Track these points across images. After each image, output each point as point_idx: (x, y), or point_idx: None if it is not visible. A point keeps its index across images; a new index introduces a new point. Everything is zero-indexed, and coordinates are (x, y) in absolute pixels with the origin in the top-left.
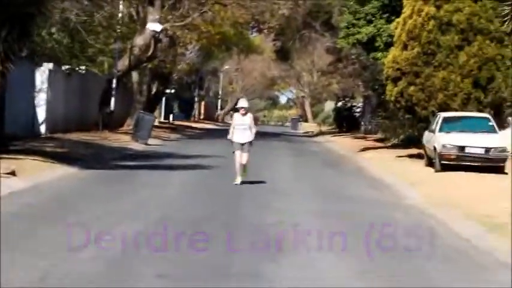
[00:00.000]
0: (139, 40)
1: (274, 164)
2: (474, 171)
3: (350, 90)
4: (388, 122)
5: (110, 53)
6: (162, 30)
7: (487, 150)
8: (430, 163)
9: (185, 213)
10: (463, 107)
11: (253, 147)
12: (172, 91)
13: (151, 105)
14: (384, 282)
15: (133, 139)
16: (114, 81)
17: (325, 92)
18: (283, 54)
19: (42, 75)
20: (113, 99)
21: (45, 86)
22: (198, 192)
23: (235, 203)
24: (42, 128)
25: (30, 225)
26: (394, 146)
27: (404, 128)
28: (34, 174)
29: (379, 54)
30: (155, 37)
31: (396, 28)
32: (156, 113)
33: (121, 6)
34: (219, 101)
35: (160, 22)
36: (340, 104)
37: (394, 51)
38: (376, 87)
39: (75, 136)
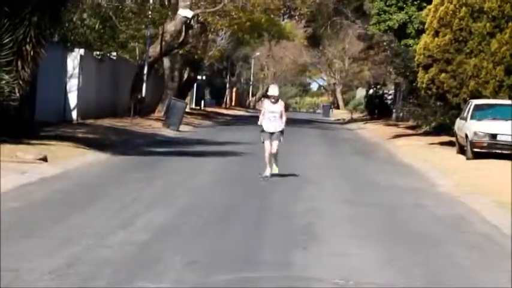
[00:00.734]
0: (170, 26)
1: (305, 151)
2: (506, 159)
3: (381, 77)
4: (420, 110)
5: (142, 38)
6: (193, 16)
7: None
8: (462, 151)
9: (215, 200)
10: (495, 94)
11: (284, 134)
12: (204, 77)
13: (182, 92)
14: (413, 270)
15: (164, 125)
16: (146, 67)
17: (357, 79)
18: (314, 41)
19: (73, 60)
20: (144, 86)
21: (77, 71)
22: (228, 179)
23: (265, 191)
24: (74, 114)
25: (60, 211)
26: (425, 134)
27: (436, 116)
28: (65, 160)
29: (410, 41)
30: (186, 23)
31: (427, 15)
32: (187, 100)
33: None
34: (251, 87)
35: (191, 8)
36: (371, 91)
37: (425, 38)
38: (408, 74)
39: (106, 122)
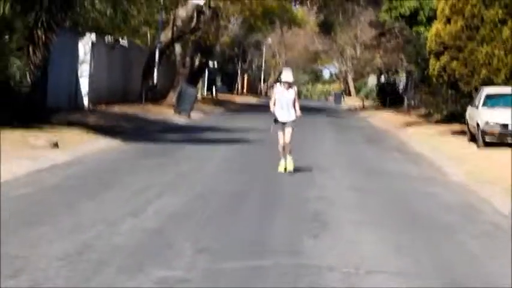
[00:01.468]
0: (182, 12)
1: (316, 138)
2: None
3: (393, 65)
4: (431, 98)
5: (154, 23)
6: (204, 2)
7: None
8: (473, 139)
9: (226, 187)
10: (507, 82)
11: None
12: (215, 64)
13: (194, 78)
14: (424, 258)
15: (175, 112)
16: (157, 53)
17: (368, 66)
18: (326, 28)
19: (85, 46)
20: (155, 72)
21: (88, 57)
22: (239, 166)
23: (276, 178)
24: (85, 101)
25: (70, 197)
26: (437, 122)
27: (448, 104)
28: (76, 146)
29: (421, 28)
30: (198, 9)
31: (439, 2)
32: (198, 86)
33: None
34: (262, 74)
35: None
36: (382, 78)
37: (437, 25)
38: (419, 61)
39: (117, 109)
